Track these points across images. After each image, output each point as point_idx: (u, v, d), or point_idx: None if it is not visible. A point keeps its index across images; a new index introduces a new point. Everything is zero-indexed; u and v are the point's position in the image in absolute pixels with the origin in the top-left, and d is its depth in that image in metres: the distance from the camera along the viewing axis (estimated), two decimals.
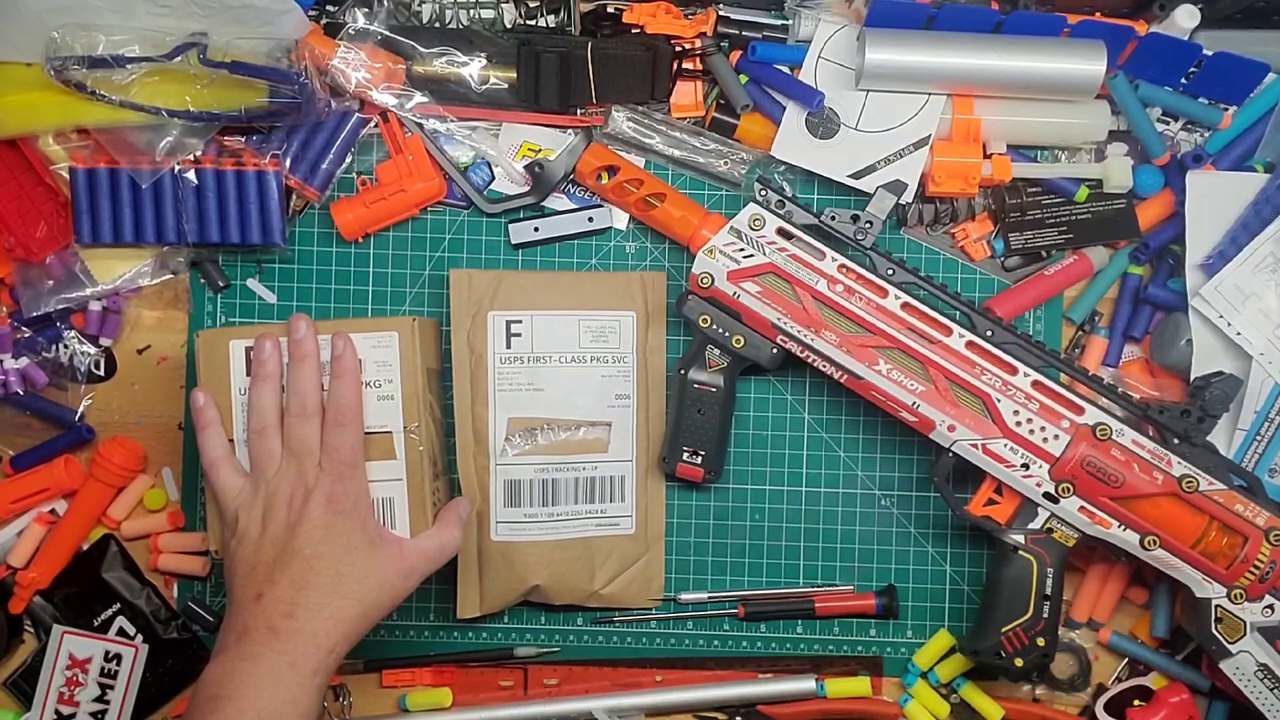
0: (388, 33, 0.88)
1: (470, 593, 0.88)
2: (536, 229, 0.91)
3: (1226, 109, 0.91)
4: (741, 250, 0.84)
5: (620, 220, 0.92)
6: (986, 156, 0.89)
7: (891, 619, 0.92)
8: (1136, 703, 0.89)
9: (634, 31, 0.89)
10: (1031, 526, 0.83)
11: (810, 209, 0.85)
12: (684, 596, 0.92)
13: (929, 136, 0.88)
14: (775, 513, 0.92)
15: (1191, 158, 0.89)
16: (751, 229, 0.84)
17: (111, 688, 0.89)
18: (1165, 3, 0.88)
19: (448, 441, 0.90)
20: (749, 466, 0.92)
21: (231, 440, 0.81)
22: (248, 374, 0.81)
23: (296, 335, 0.79)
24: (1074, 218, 0.91)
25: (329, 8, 0.89)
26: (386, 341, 0.81)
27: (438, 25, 0.90)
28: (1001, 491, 0.84)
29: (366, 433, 0.80)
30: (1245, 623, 0.82)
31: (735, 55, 0.90)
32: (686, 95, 0.91)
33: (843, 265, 0.83)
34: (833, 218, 0.84)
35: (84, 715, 0.89)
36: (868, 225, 0.84)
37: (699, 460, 0.88)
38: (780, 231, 0.84)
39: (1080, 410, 0.81)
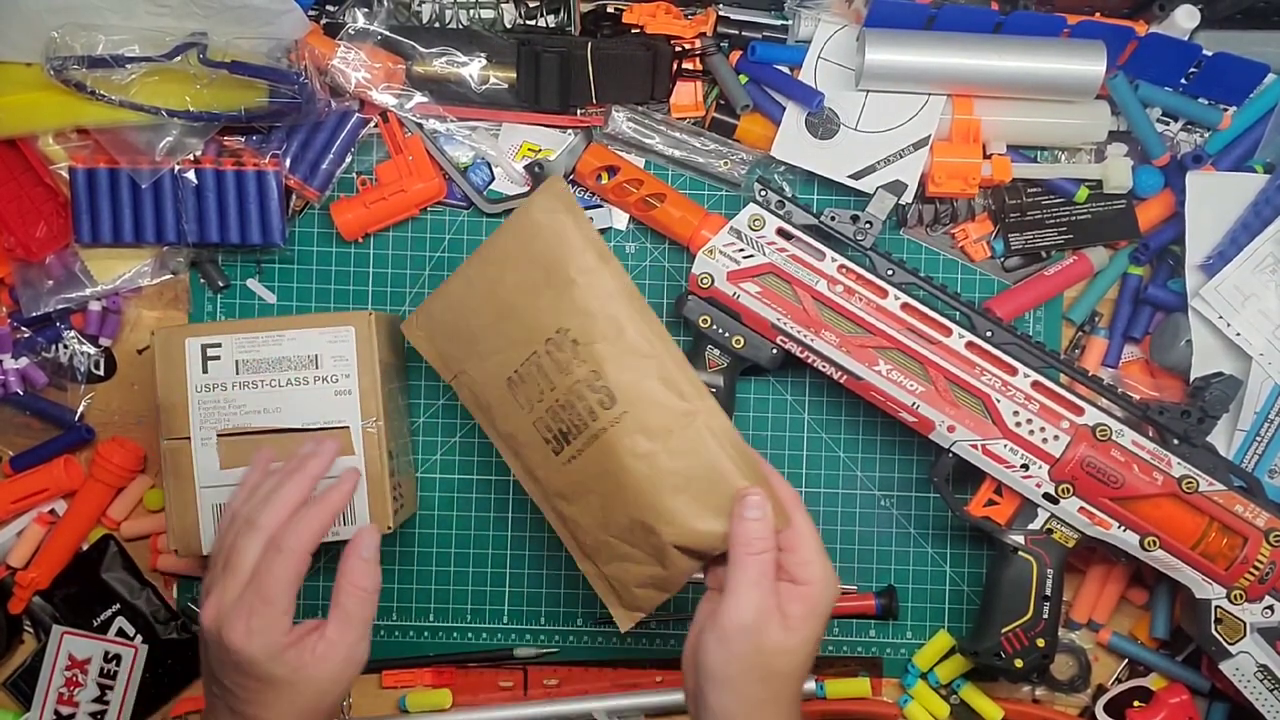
0: (388, 33, 0.88)
1: None
2: None
3: (1226, 109, 0.91)
4: (741, 251, 0.84)
5: (620, 220, 0.92)
6: (986, 157, 0.89)
7: (891, 619, 0.92)
8: (1136, 704, 0.89)
9: (634, 31, 0.89)
10: (1031, 527, 0.83)
11: (810, 209, 0.85)
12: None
13: (929, 137, 0.88)
14: None
15: (1191, 158, 0.89)
16: (751, 229, 0.84)
17: (111, 688, 0.89)
18: (1165, 3, 0.88)
19: (411, 440, 0.90)
20: None
21: (187, 438, 0.81)
22: (204, 372, 0.81)
23: (304, 449, 0.75)
24: (1074, 218, 0.91)
25: (329, 8, 0.89)
26: (343, 336, 0.82)
27: (438, 25, 0.90)
28: (1001, 492, 0.84)
29: (323, 428, 0.80)
30: (1245, 624, 0.82)
31: (735, 55, 0.90)
32: (686, 95, 0.91)
33: (842, 266, 0.83)
34: (833, 218, 0.84)
35: (83, 715, 0.89)
36: (867, 226, 0.84)
37: None
38: (780, 232, 0.84)
39: (1080, 411, 0.81)
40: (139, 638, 0.90)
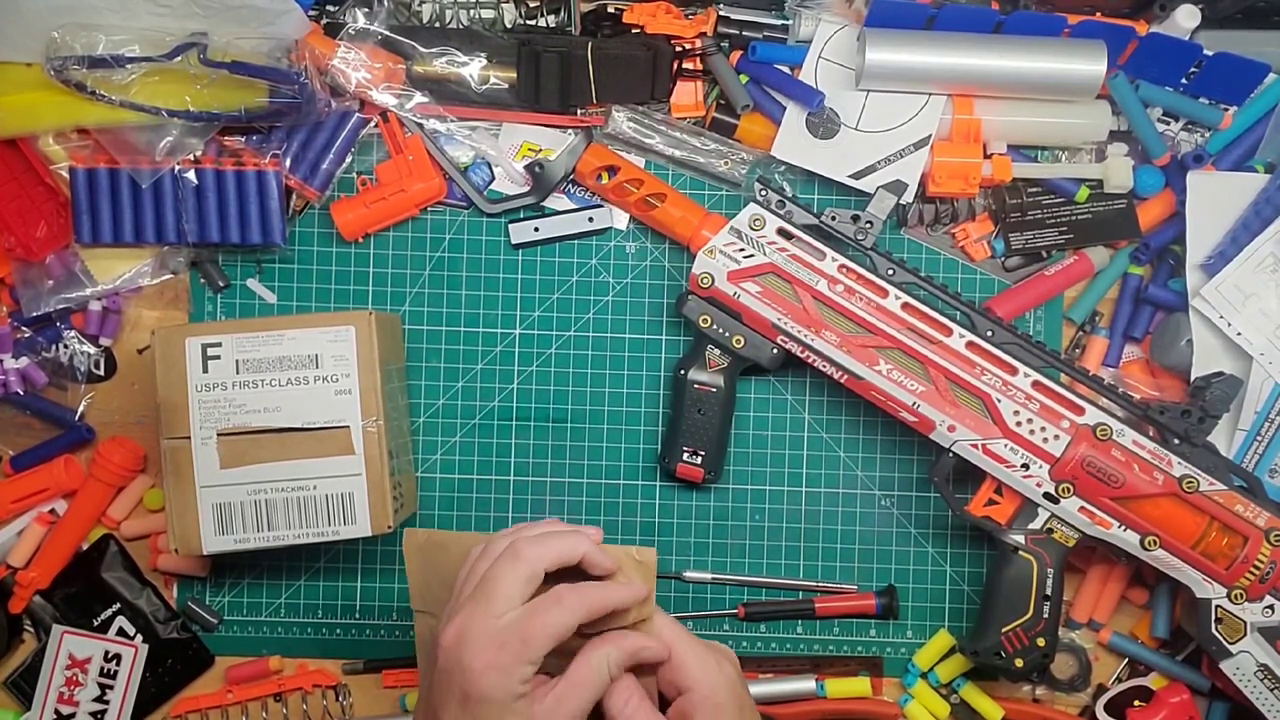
0: (388, 33, 0.88)
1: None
2: (536, 229, 0.91)
3: (1227, 109, 0.91)
4: (742, 250, 0.84)
5: (620, 220, 0.92)
6: (987, 156, 0.89)
7: (891, 619, 0.92)
8: (1137, 703, 0.89)
9: (634, 31, 0.89)
10: (1032, 527, 0.83)
11: (810, 209, 0.85)
12: (689, 574, 0.92)
13: (929, 136, 0.88)
14: (775, 513, 0.92)
15: (1192, 158, 0.89)
16: (752, 229, 0.84)
17: (111, 688, 0.89)
18: (1166, 3, 0.88)
19: (411, 440, 0.90)
20: (749, 466, 0.92)
21: (188, 438, 0.81)
22: (204, 371, 0.81)
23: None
24: (1074, 218, 0.91)
25: (329, 8, 0.89)
26: (344, 336, 0.82)
27: (438, 25, 0.90)
28: (1001, 491, 0.84)
29: (323, 428, 0.80)
30: (1245, 623, 0.82)
31: (735, 55, 0.90)
32: (687, 95, 0.91)
33: (843, 265, 0.83)
34: (833, 218, 0.84)
35: (84, 715, 0.89)
36: (868, 225, 0.84)
37: (699, 460, 0.88)
38: (780, 231, 0.84)
39: (1080, 410, 0.81)
40: (139, 637, 0.90)
